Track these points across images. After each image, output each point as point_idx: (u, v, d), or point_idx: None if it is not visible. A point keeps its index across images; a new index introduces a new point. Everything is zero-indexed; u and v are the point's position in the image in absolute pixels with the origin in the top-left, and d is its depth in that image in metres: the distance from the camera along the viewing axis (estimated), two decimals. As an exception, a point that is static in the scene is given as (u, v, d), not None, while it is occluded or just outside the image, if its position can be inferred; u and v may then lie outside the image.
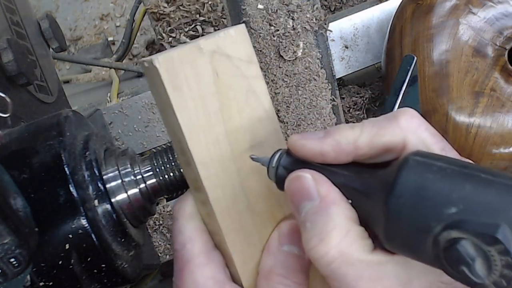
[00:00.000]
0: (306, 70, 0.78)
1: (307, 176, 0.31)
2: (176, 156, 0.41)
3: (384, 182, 0.27)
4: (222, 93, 0.34)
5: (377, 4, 0.90)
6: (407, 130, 0.30)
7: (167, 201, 0.86)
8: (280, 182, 0.33)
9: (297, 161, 0.32)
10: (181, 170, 0.41)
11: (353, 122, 0.53)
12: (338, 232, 0.29)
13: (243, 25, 0.36)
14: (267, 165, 0.33)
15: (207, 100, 0.33)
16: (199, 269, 0.34)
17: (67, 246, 0.36)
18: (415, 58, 0.60)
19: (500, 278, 0.22)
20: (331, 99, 0.81)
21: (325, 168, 0.31)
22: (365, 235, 0.30)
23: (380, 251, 0.29)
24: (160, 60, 0.31)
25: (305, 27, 0.76)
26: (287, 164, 0.32)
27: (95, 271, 0.37)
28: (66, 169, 0.36)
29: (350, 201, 0.30)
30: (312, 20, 0.77)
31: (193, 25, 0.90)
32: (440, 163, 0.25)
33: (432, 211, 0.24)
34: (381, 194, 0.27)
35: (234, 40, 0.35)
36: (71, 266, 0.36)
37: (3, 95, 0.41)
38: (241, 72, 0.35)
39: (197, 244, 0.35)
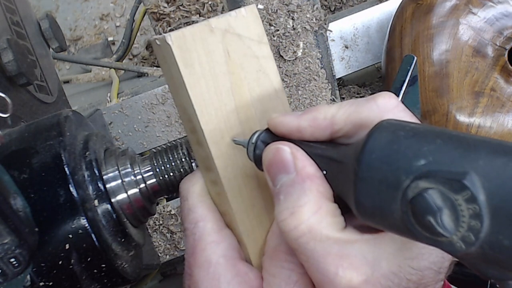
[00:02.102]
0: (306, 70, 0.78)
1: (286, 149, 0.31)
2: (178, 154, 0.41)
3: (358, 145, 0.27)
4: (233, 72, 0.34)
5: (377, 4, 0.90)
6: (384, 108, 0.30)
7: (167, 201, 0.86)
8: (258, 160, 0.33)
9: (275, 138, 0.32)
10: (181, 170, 0.41)
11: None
12: (309, 208, 0.29)
13: (254, 5, 0.36)
14: (247, 144, 0.33)
15: (219, 79, 0.34)
16: (211, 247, 0.35)
17: (67, 246, 0.36)
18: (415, 58, 0.60)
19: (468, 232, 0.21)
20: (331, 99, 0.81)
21: (303, 142, 0.31)
22: (337, 213, 0.30)
23: (350, 230, 0.29)
24: (173, 37, 0.32)
25: (305, 27, 0.77)
26: (265, 140, 0.33)
27: (95, 271, 0.37)
28: (66, 169, 0.36)
29: (324, 172, 0.30)
30: (312, 20, 0.77)
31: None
32: (413, 124, 0.25)
33: (402, 165, 0.24)
34: (353, 156, 0.27)
35: (245, 20, 0.35)
36: (71, 266, 0.36)
37: (3, 95, 0.41)
38: (252, 52, 0.35)
39: (209, 223, 0.36)
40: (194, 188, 0.37)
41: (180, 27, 0.90)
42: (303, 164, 0.30)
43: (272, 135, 0.33)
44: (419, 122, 0.30)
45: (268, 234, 0.36)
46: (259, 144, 0.33)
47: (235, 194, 0.35)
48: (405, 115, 0.30)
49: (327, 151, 0.30)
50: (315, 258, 0.28)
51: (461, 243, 0.22)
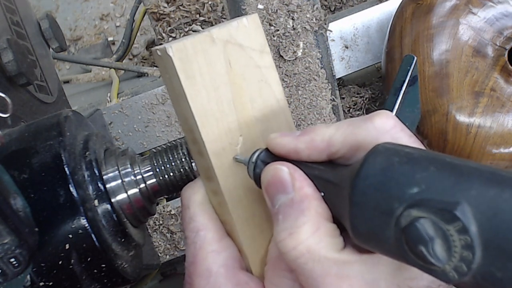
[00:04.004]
0: (306, 70, 0.78)
1: (284, 169, 0.31)
2: (178, 154, 0.41)
3: (353, 170, 0.27)
4: (235, 83, 0.34)
5: (377, 4, 0.90)
6: (381, 130, 0.30)
7: (167, 201, 0.86)
8: (257, 179, 0.33)
9: (275, 158, 0.32)
10: (181, 170, 0.41)
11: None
12: (308, 228, 0.29)
13: (256, 14, 0.36)
14: (247, 163, 0.34)
15: (220, 90, 0.34)
16: (212, 257, 0.35)
17: (67, 246, 0.36)
18: (415, 58, 0.60)
19: (460, 262, 0.21)
20: (331, 99, 0.81)
21: (302, 163, 0.31)
22: (336, 233, 0.30)
23: (349, 250, 0.29)
24: (174, 49, 0.32)
25: (305, 27, 0.76)
26: (265, 159, 0.33)
27: (95, 271, 0.37)
28: (66, 169, 0.36)
29: (322, 193, 0.30)
30: (312, 20, 0.77)
31: (193, 25, 0.90)
32: (408, 149, 0.25)
33: (396, 192, 0.24)
34: (348, 181, 0.27)
35: (247, 30, 0.35)
36: (71, 266, 0.36)
37: (3, 95, 0.41)
38: (253, 62, 0.35)
39: (210, 232, 0.36)
40: (195, 196, 0.37)
41: (180, 27, 0.90)
42: (301, 184, 0.30)
43: (272, 155, 0.33)
44: (418, 141, 0.30)
45: (270, 244, 0.36)
46: (259, 163, 0.33)
47: (236, 204, 0.35)
48: (403, 135, 0.30)
49: (325, 173, 0.30)
50: (314, 278, 0.28)
51: (454, 273, 0.22)
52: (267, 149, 0.33)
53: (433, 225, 0.22)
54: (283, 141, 0.32)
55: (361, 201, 0.25)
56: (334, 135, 0.31)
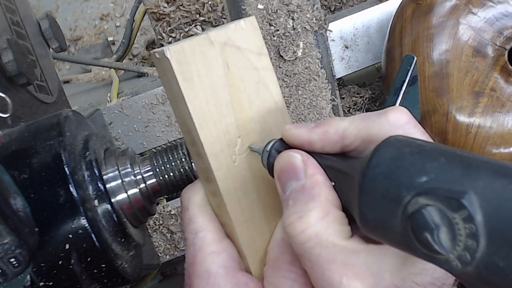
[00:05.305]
0: (306, 70, 0.78)
1: (297, 156, 0.31)
2: (178, 154, 0.41)
3: (365, 159, 0.27)
4: (233, 85, 0.34)
5: (377, 4, 0.90)
6: (395, 124, 0.30)
7: (167, 201, 0.86)
8: (271, 168, 0.33)
9: (288, 147, 0.33)
10: (181, 170, 0.41)
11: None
12: (317, 213, 0.29)
13: (254, 17, 0.36)
14: (262, 152, 0.34)
15: (218, 91, 0.34)
16: (211, 258, 0.35)
17: (67, 246, 0.36)
18: (415, 58, 0.60)
19: (464, 251, 0.21)
20: (331, 99, 0.81)
21: (314, 153, 0.32)
22: (344, 221, 0.30)
23: (356, 239, 0.29)
24: (172, 51, 0.32)
25: (305, 27, 0.76)
26: (279, 148, 0.33)
27: (95, 271, 0.37)
28: (66, 169, 0.36)
29: (333, 183, 0.31)
30: (312, 20, 0.77)
31: (193, 25, 0.90)
32: (419, 142, 0.26)
33: (405, 181, 0.24)
34: (359, 169, 0.27)
35: (245, 32, 0.35)
36: (71, 266, 0.36)
37: (3, 95, 0.41)
38: (251, 64, 0.35)
39: (209, 233, 0.36)
40: (194, 198, 0.37)
41: (180, 27, 0.90)
42: (313, 171, 0.31)
43: (286, 145, 0.33)
44: (430, 138, 0.30)
45: (269, 244, 0.36)
46: (273, 152, 0.33)
47: (235, 205, 0.35)
48: (416, 131, 0.30)
49: (336, 163, 0.31)
50: (320, 264, 0.29)
51: (457, 262, 0.22)
52: (281, 139, 0.34)
53: (439, 213, 0.22)
54: (297, 132, 0.32)
55: (371, 189, 0.26)
56: (348, 128, 0.31)
